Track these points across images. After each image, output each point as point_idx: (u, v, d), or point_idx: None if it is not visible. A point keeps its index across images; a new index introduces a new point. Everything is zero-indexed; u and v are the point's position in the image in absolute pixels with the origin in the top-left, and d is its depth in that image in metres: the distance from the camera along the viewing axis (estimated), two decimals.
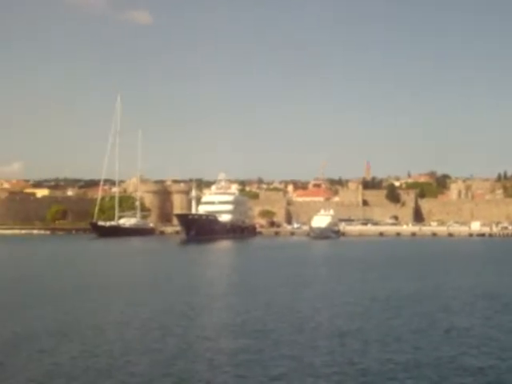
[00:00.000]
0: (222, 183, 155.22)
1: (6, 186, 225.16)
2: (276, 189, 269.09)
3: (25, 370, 19.31)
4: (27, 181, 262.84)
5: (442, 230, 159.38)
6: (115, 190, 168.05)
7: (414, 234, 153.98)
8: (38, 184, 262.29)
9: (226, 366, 20.03)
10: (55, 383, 18.27)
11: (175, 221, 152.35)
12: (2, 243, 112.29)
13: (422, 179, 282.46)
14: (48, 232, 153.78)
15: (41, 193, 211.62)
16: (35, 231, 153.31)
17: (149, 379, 18.58)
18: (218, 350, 22.52)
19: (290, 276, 50.38)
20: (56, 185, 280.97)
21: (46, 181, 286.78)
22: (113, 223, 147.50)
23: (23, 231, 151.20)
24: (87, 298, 36.36)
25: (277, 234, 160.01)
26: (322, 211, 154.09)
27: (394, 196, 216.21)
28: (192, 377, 18.93)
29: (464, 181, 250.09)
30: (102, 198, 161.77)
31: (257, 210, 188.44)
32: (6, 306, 33.04)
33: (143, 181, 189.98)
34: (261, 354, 21.76)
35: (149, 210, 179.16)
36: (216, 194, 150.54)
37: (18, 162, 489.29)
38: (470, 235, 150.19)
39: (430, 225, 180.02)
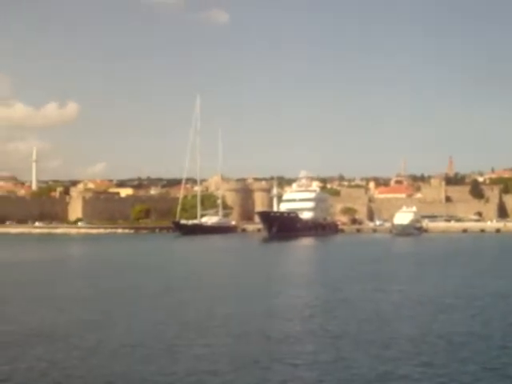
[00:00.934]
0: (304, 181, 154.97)
1: (91, 186, 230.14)
2: (357, 186, 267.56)
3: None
4: (111, 181, 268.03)
5: None
6: (197, 188, 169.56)
7: (498, 231, 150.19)
8: (122, 184, 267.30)
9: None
10: None
11: (257, 219, 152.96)
12: (89, 242, 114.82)
13: (507, 174, 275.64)
14: (132, 231, 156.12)
15: (124, 192, 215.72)
16: (119, 230, 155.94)
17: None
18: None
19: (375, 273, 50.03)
20: (139, 184, 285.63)
21: (129, 180, 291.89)
22: (195, 221, 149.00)
23: (108, 230, 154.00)
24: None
25: (358, 231, 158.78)
26: (404, 208, 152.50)
27: (477, 192, 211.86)
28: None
29: None
30: (185, 197, 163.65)
31: (338, 207, 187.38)
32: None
33: (225, 179, 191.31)
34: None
35: (231, 208, 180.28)
36: (297, 191, 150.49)
37: (101, 162, 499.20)
38: None
39: None
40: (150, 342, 22.69)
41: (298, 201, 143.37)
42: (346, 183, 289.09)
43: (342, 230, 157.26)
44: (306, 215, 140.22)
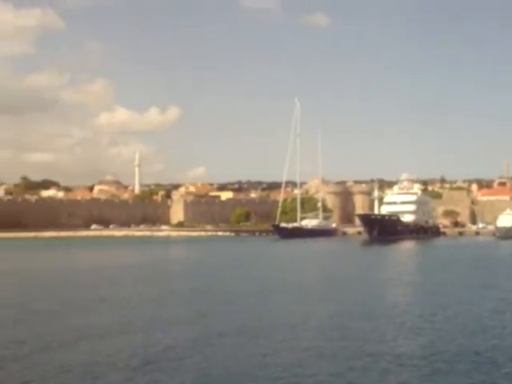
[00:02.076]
0: (405, 183, 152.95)
1: (192, 189, 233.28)
2: (459, 188, 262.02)
3: None
4: (212, 184, 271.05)
5: None
6: (297, 191, 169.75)
7: None
8: (222, 187, 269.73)
9: None
10: None
11: (357, 221, 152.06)
12: (191, 244, 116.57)
13: None
14: (232, 234, 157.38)
15: (225, 196, 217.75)
16: (220, 233, 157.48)
17: None
18: None
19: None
20: (239, 188, 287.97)
21: (229, 184, 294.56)
22: (295, 224, 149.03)
23: (209, 233, 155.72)
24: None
25: (461, 234, 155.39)
26: (508, 210, 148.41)
27: None
28: None
29: None
30: (285, 200, 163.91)
31: (440, 209, 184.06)
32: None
33: (324, 182, 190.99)
34: None
35: (331, 210, 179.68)
36: (398, 194, 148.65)
37: (202, 166, 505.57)
38: None
39: None
40: None
41: (400, 203, 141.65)
42: (447, 185, 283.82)
43: (444, 233, 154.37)
44: (408, 218, 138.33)
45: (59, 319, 28.79)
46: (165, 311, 31.09)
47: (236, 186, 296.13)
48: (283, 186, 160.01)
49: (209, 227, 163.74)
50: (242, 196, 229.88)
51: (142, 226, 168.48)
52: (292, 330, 25.86)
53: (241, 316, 29.37)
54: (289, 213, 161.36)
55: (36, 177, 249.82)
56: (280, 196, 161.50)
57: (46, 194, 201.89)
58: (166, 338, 23.85)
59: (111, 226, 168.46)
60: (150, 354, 21.10)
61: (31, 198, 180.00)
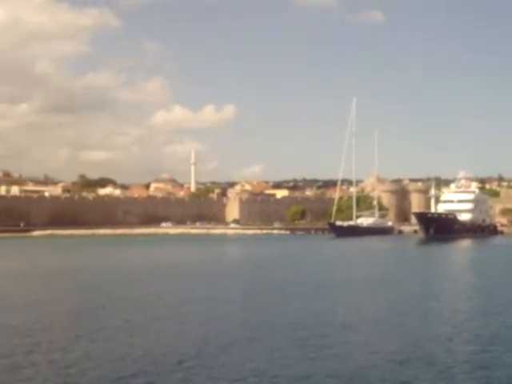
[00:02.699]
0: (462, 181, 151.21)
1: (248, 187, 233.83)
2: None
3: None
4: (267, 182, 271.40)
5: None
6: (353, 189, 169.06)
7: None
8: (278, 185, 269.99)
9: None
10: None
11: (413, 220, 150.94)
12: (247, 242, 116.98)
13: None
14: (287, 232, 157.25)
15: (280, 193, 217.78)
16: (275, 231, 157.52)
17: None
18: None
19: None
20: (295, 185, 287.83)
21: (285, 182, 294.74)
22: (351, 223, 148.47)
23: (264, 231, 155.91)
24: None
25: None
26: None
27: None
28: None
29: None
30: (340, 198, 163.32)
31: (497, 208, 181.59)
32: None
33: (380, 180, 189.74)
34: None
35: (386, 209, 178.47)
36: (455, 192, 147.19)
37: (257, 164, 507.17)
38: None
39: None
40: None
41: (457, 202, 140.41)
42: (505, 184, 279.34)
43: (502, 232, 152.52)
44: (465, 217, 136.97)
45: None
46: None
47: (291, 183, 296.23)
48: (339, 183, 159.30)
49: (264, 225, 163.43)
50: (297, 194, 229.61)
51: (197, 224, 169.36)
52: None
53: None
54: (344, 211, 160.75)
55: (93, 175, 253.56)
56: (336, 194, 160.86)
57: (102, 191, 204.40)
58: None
59: (167, 224, 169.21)
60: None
61: (88, 195, 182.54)
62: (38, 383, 17.93)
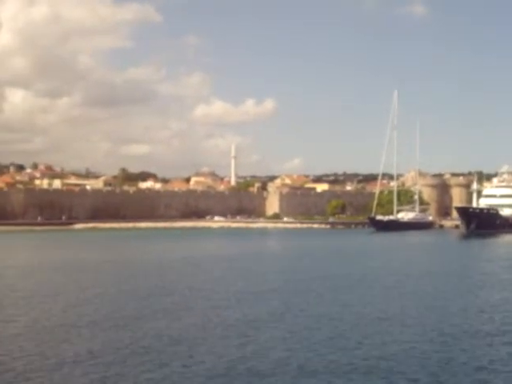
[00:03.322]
0: (505, 176, 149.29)
1: (288, 181, 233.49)
2: None
3: None
4: (307, 176, 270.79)
5: None
6: (393, 184, 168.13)
7: None
8: (318, 179, 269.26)
9: None
10: None
11: (454, 214, 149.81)
12: (289, 236, 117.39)
13: None
14: (327, 226, 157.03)
15: (321, 187, 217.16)
16: (315, 225, 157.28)
17: None
18: None
19: None
20: (335, 179, 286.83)
21: (325, 175, 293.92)
22: (391, 217, 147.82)
23: (304, 225, 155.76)
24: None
25: None
26: None
27: None
28: None
29: None
30: (381, 192, 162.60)
31: None
32: None
33: (421, 174, 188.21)
34: None
35: (427, 203, 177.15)
36: (498, 186, 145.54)
37: (298, 158, 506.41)
38: None
39: None
40: None
41: (499, 197, 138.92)
42: None
43: None
44: (507, 212, 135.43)
45: None
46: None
47: (332, 177, 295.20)
48: (379, 178, 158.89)
49: (304, 219, 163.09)
50: (337, 188, 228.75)
51: (238, 218, 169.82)
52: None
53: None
54: (385, 205, 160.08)
55: (134, 168, 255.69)
56: (376, 188, 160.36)
57: (143, 185, 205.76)
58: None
59: (207, 217, 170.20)
60: None
61: (129, 189, 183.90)
62: None
